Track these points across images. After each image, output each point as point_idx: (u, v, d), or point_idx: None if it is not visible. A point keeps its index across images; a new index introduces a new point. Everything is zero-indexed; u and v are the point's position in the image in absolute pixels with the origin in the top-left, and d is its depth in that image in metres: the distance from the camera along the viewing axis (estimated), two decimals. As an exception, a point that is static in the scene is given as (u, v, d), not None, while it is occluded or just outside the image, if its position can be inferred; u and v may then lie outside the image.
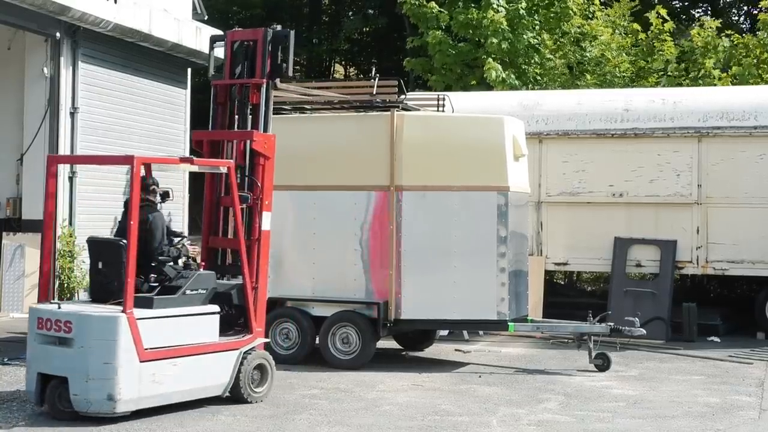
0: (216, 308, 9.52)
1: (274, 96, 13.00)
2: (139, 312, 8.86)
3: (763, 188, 14.55)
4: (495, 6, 19.71)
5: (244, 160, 10.22)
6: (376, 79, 12.66)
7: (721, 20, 23.07)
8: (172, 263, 9.76)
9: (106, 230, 18.40)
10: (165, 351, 9.02)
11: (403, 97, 12.53)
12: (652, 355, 13.28)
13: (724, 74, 19.71)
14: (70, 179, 17.22)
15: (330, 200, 12.26)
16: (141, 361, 8.81)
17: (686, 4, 32.40)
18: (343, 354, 11.91)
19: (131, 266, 8.86)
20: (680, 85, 19.76)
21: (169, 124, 20.36)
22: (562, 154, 15.41)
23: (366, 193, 12.15)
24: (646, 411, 9.73)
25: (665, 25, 21.18)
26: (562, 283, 18.90)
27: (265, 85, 10.24)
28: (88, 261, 18.08)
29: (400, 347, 13.40)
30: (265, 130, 10.18)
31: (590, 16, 22.03)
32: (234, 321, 9.83)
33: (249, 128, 10.25)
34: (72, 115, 17.24)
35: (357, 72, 37.19)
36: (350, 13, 35.96)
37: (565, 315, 13.56)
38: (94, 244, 10.04)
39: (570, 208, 15.35)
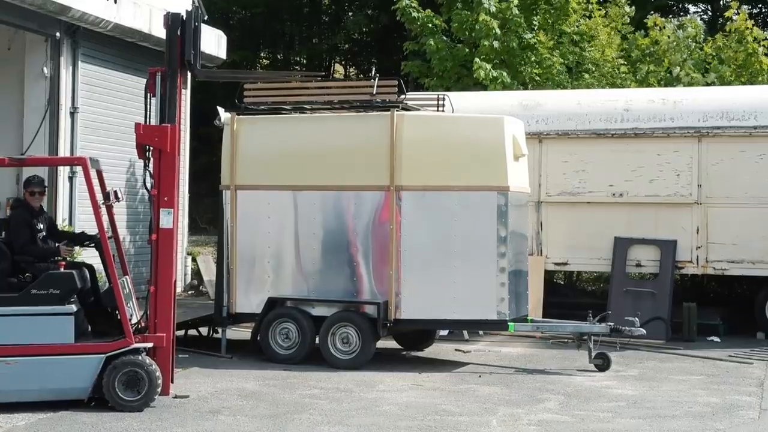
0: (70, 309, 9.31)
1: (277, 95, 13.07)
2: None
3: (763, 188, 14.54)
4: (486, 5, 19.69)
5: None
6: (376, 79, 12.66)
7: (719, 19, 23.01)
8: (41, 263, 9.64)
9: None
10: None
11: (403, 97, 12.52)
12: (652, 355, 13.28)
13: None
14: (70, 179, 17.21)
15: (330, 200, 12.26)
16: None
17: (684, 3, 32.36)
18: (343, 354, 11.91)
19: None
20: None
21: (169, 124, 20.35)
22: (562, 154, 15.40)
23: (366, 193, 12.16)
24: (646, 411, 9.74)
25: (664, 32, 21.14)
26: (562, 283, 18.90)
27: (160, 74, 9.79)
28: (88, 261, 18.14)
29: (400, 347, 13.40)
30: (162, 121, 9.61)
31: (589, 15, 22.00)
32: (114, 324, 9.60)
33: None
34: (72, 115, 17.23)
35: (357, 72, 37.17)
36: (350, 13, 35.93)
37: (565, 315, 13.56)
38: None
39: (570, 208, 15.34)
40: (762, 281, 14.90)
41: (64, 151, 17.04)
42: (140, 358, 9.28)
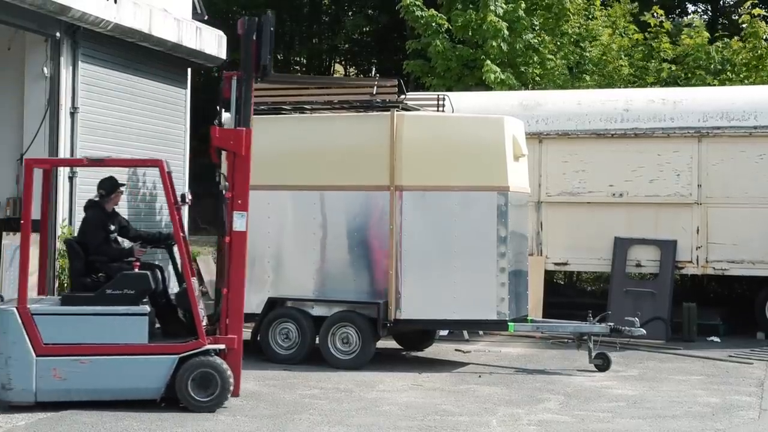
0: (144, 309, 9.39)
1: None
2: (38, 308, 9.27)
3: (763, 188, 14.54)
4: (493, 8, 19.68)
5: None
6: (376, 79, 12.64)
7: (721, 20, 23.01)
8: (114, 263, 9.76)
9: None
10: (70, 347, 9.18)
11: (403, 97, 12.53)
12: (652, 355, 13.28)
13: (716, 81, 19.70)
14: (70, 179, 17.21)
15: (330, 200, 12.26)
16: (37, 355, 9.13)
17: (685, 2, 32.37)
18: (343, 354, 11.91)
19: (24, 262, 9.54)
20: (677, 85, 19.76)
21: (169, 124, 20.36)
22: (562, 154, 15.41)
23: (366, 193, 12.16)
24: (646, 411, 9.74)
25: (663, 24, 21.17)
26: (562, 283, 18.90)
27: (236, 78, 9.87)
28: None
29: (400, 347, 13.41)
30: (237, 124, 9.67)
31: (590, 16, 22.02)
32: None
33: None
34: (72, 115, 17.22)
35: (357, 72, 37.18)
36: (350, 13, 35.94)
37: (565, 315, 13.56)
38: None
39: (570, 208, 15.34)
40: (762, 281, 14.90)
41: (64, 151, 17.03)
42: (212, 359, 9.30)
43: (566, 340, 13.83)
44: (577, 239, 15.21)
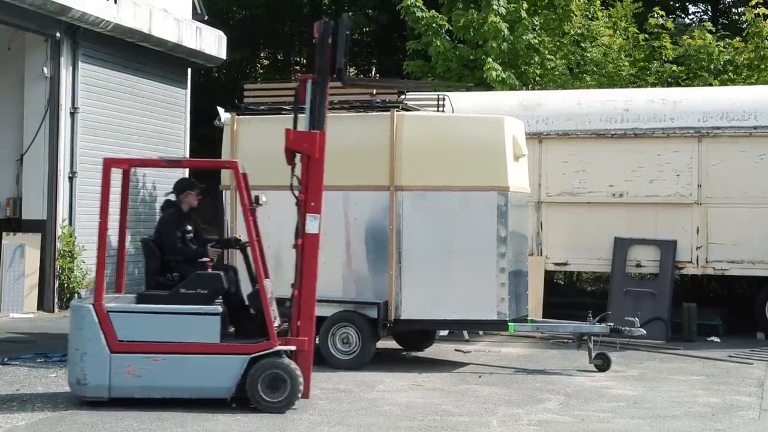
0: (216, 309, 9.48)
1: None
2: (114, 305, 9.41)
3: (763, 188, 14.54)
4: (495, 7, 19.68)
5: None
6: (378, 77, 12.63)
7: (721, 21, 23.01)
8: (188, 262, 9.86)
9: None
10: (143, 345, 9.27)
11: (403, 97, 12.52)
12: (652, 355, 13.28)
13: (717, 81, 19.72)
14: (70, 179, 17.23)
15: (330, 200, 12.19)
16: (112, 352, 9.26)
17: (685, 2, 32.37)
18: (343, 354, 11.91)
19: (101, 259, 9.64)
20: (678, 86, 19.77)
21: (169, 124, 20.39)
22: (562, 154, 15.40)
23: (366, 193, 12.15)
24: (646, 411, 9.74)
25: (666, 24, 21.18)
26: (562, 283, 18.90)
27: (311, 82, 9.81)
28: (88, 261, 18.19)
29: (400, 347, 13.40)
30: (311, 127, 9.66)
31: (591, 17, 22.02)
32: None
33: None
34: (72, 115, 17.26)
35: (357, 72, 37.16)
36: (350, 13, 35.91)
37: (565, 315, 13.56)
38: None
39: (570, 208, 15.34)
40: (762, 281, 14.90)
41: (63, 151, 17.07)
42: (283, 360, 9.32)
43: (566, 340, 13.83)
44: (577, 239, 15.21)
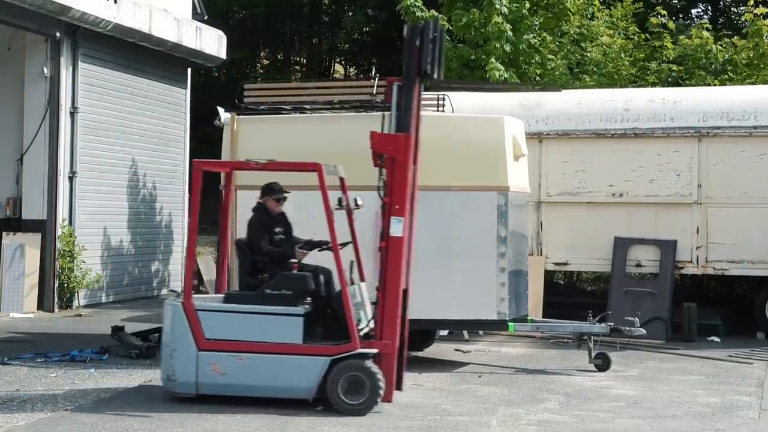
0: (300, 310, 9.47)
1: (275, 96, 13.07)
2: (202, 304, 9.61)
3: (763, 188, 14.54)
4: (498, 7, 19.67)
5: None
6: (376, 79, 12.65)
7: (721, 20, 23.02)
8: (276, 263, 9.89)
9: (105, 230, 18.44)
10: (229, 343, 9.42)
11: (402, 97, 12.48)
12: (652, 355, 13.28)
13: (717, 81, 19.72)
14: (70, 179, 17.23)
15: (330, 200, 12.21)
16: (199, 349, 9.45)
17: (685, 2, 32.38)
18: (343, 354, 11.88)
19: (190, 259, 9.92)
20: (678, 85, 19.78)
21: (169, 124, 20.40)
22: (562, 154, 15.40)
23: (365, 194, 12.10)
24: (646, 411, 9.73)
25: (667, 25, 21.19)
26: (562, 283, 18.90)
27: (397, 84, 9.77)
28: (87, 261, 18.20)
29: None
30: (399, 130, 9.62)
31: (590, 17, 22.03)
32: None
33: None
34: (72, 115, 17.26)
35: (357, 72, 37.18)
36: (350, 13, 35.95)
37: (565, 315, 13.56)
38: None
39: (570, 208, 15.34)
40: (762, 281, 14.90)
41: (63, 151, 17.07)
42: (364, 363, 9.26)
43: (566, 340, 13.83)
44: (577, 239, 15.21)
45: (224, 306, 9.70)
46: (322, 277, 10.07)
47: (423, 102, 13.42)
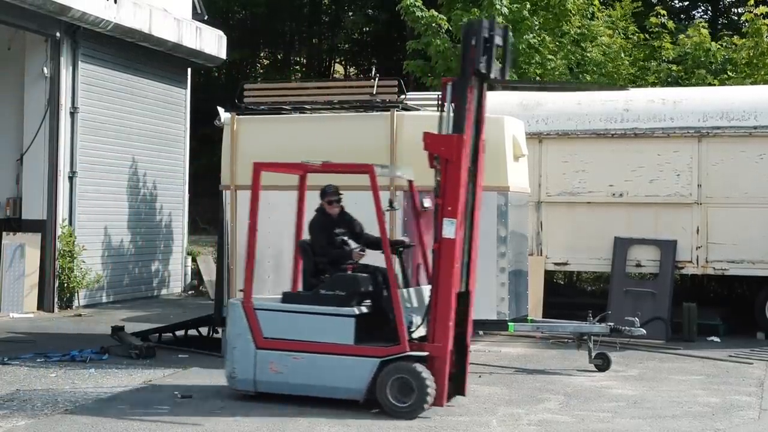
0: (351, 311, 9.42)
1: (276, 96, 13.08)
2: (260, 303, 9.76)
3: (763, 188, 14.54)
4: (498, 7, 19.67)
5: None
6: (376, 79, 12.65)
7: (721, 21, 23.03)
8: (332, 264, 9.90)
9: (105, 230, 18.44)
10: (284, 342, 9.52)
11: (403, 97, 12.52)
12: (652, 355, 13.28)
13: (717, 80, 19.73)
14: (70, 179, 17.23)
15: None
16: (257, 348, 9.60)
17: (686, 4, 32.40)
18: (343, 354, 11.88)
19: (250, 260, 9.91)
20: (678, 85, 19.79)
21: (169, 124, 20.40)
22: (562, 154, 15.40)
23: (366, 193, 12.10)
24: (646, 411, 9.73)
25: (666, 24, 21.19)
26: (562, 283, 18.90)
27: (451, 84, 9.60)
28: (87, 261, 18.16)
29: (400, 347, 13.37)
30: (454, 130, 9.43)
31: (590, 17, 22.03)
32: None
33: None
34: (72, 115, 17.26)
35: (357, 72, 37.19)
36: (350, 13, 35.96)
37: (565, 315, 13.55)
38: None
39: (570, 208, 15.34)
40: (762, 281, 14.90)
41: (63, 151, 17.08)
42: (412, 365, 9.13)
43: (566, 340, 13.82)
44: (577, 239, 15.21)
45: (281, 306, 9.80)
46: (381, 278, 9.84)
47: (423, 102, 13.52)
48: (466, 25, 9.70)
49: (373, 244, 10.16)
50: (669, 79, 20.34)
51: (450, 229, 9.28)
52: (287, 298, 9.94)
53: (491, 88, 10.36)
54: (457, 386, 9.66)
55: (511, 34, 9.82)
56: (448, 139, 9.44)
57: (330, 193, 10.34)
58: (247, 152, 12.52)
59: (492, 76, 9.58)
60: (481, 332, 14.38)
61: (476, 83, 9.57)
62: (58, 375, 11.01)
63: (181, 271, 20.86)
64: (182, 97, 20.78)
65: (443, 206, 9.33)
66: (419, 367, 9.15)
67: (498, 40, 9.61)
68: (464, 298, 9.55)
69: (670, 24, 21.45)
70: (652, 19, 21.39)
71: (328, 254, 10.08)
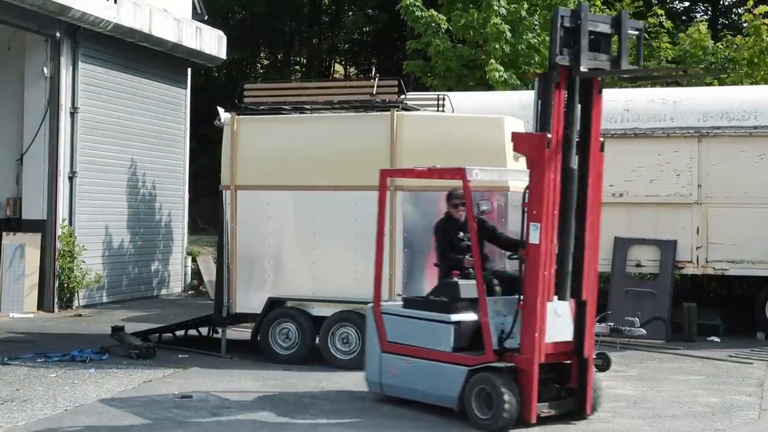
0: (449, 317, 9.22)
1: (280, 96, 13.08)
2: (385, 308, 9.88)
3: (763, 188, 14.53)
4: (496, 8, 19.66)
5: None
6: (376, 79, 12.65)
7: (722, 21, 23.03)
8: (449, 269, 9.79)
9: (105, 230, 18.43)
10: (401, 347, 9.55)
11: (403, 97, 12.52)
12: (652, 355, 13.27)
13: (716, 81, 19.72)
14: (70, 179, 17.23)
15: (330, 200, 12.25)
16: (382, 351, 9.75)
17: (687, 4, 32.41)
18: (343, 354, 11.90)
19: (378, 266, 10.03)
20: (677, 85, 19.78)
21: (169, 124, 20.39)
22: (562, 154, 15.36)
23: (366, 193, 12.12)
24: (646, 411, 9.73)
25: (664, 24, 21.19)
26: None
27: (538, 78, 9.03)
28: (87, 261, 18.16)
29: (400, 347, 13.37)
30: (540, 128, 8.92)
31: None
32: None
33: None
34: (72, 115, 17.26)
35: (357, 72, 37.18)
36: (350, 12, 35.95)
37: (565, 315, 13.52)
38: None
39: (570, 208, 15.30)
40: (762, 281, 14.89)
41: (63, 151, 17.08)
42: (491, 376, 8.72)
43: (566, 340, 13.79)
44: (577, 239, 15.16)
45: (399, 310, 9.83)
46: (496, 284, 9.54)
47: (423, 102, 13.50)
48: (558, 11, 8.88)
49: (510, 245, 9.86)
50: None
51: (534, 234, 8.67)
52: (406, 303, 9.97)
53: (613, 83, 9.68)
54: (579, 403, 9.05)
55: (628, 20, 9.13)
56: (530, 138, 8.96)
57: (456, 197, 10.12)
58: (247, 152, 12.52)
59: (583, 68, 8.84)
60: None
61: (564, 77, 8.89)
62: (58, 375, 11.01)
63: (181, 271, 20.85)
64: (182, 97, 20.78)
65: (529, 210, 8.81)
66: (497, 378, 8.69)
67: (604, 28, 8.96)
68: (584, 308, 9.00)
69: (668, 24, 21.44)
70: (650, 19, 21.38)
71: (445, 259, 10.00)
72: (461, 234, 10.00)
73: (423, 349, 9.40)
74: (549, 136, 8.83)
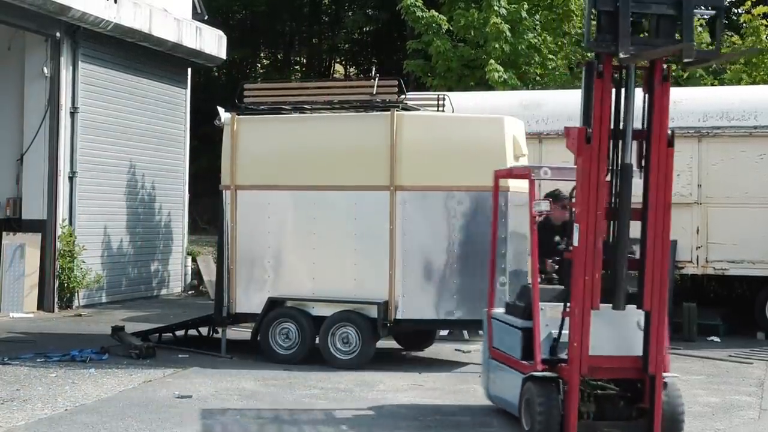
0: (517, 323, 8.98)
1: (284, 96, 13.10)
2: (496, 314, 9.63)
3: (763, 188, 14.53)
4: (496, 8, 19.66)
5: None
6: (376, 79, 12.65)
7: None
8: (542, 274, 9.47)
9: (105, 230, 18.44)
10: (497, 352, 9.42)
11: (403, 97, 12.52)
12: (652, 355, 13.25)
13: (716, 80, 19.74)
14: (70, 179, 17.24)
15: (330, 200, 12.25)
16: (489, 358, 9.57)
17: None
18: (343, 354, 11.91)
19: (492, 269, 10.02)
20: (677, 85, 19.78)
21: (169, 124, 20.40)
22: (562, 154, 15.34)
23: (366, 193, 12.14)
24: (646, 411, 9.72)
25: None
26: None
27: (584, 67, 8.41)
28: (87, 261, 18.16)
29: (400, 347, 13.40)
30: (584, 122, 8.41)
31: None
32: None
33: None
34: (72, 115, 17.26)
35: (357, 72, 37.19)
36: (350, 12, 35.95)
37: (565, 315, 13.52)
38: None
39: (570, 208, 15.31)
40: (762, 281, 14.89)
41: (63, 151, 17.08)
42: (533, 386, 8.28)
43: (566, 340, 13.79)
44: (577, 239, 15.16)
45: (499, 315, 9.61)
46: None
47: (423, 102, 13.49)
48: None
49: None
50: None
51: (575, 235, 8.20)
52: (507, 308, 9.66)
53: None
54: (648, 426, 8.18)
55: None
56: (570, 132, 8.36)
57: (562, 197, 9.97)
58: (247, 152, 12.52)
59: (622, 54, 8.16)
60: (481, 332, 14.38)
61: (608, 66, 8.35)
62: (58, 375, 11.01)
63: (181, 271, 20.86)
64: (182, 97, 20.78)
65: (573, 205, 8.39)
66: (536, 388, 8.26)
67: (657, 9, 8.22)
68: (645, 320, 8.28)
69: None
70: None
71: (540, 262, 9.67)
72: (557, 238, 9.53)
73: (505, 354, 9.17)
74: (589, 130, 8.33)
